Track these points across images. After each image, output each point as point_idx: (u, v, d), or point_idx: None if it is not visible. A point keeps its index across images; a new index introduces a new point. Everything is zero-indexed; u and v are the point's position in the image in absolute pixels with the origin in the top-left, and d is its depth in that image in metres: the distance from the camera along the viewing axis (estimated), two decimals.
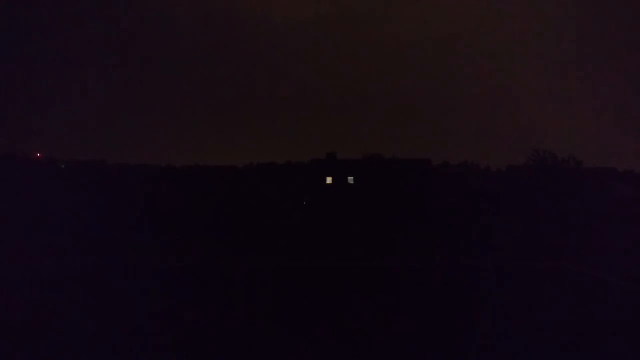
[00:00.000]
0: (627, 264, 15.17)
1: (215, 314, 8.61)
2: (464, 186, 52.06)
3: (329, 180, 52.44)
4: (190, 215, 31.89)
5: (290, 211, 36.68)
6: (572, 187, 40.79)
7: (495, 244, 20.22)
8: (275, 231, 24.12)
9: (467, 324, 7.91)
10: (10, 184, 43.94)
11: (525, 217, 32.03)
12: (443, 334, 7.53)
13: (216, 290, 10.56)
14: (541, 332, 7.64)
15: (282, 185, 56.47)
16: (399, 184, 48.51)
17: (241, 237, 21.80)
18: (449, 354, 6.88)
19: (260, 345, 7.15)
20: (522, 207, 37.90)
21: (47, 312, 8.47)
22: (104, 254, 16.89)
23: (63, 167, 72.08)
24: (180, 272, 12.95)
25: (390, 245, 19.51)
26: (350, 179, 52.25)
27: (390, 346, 7.06)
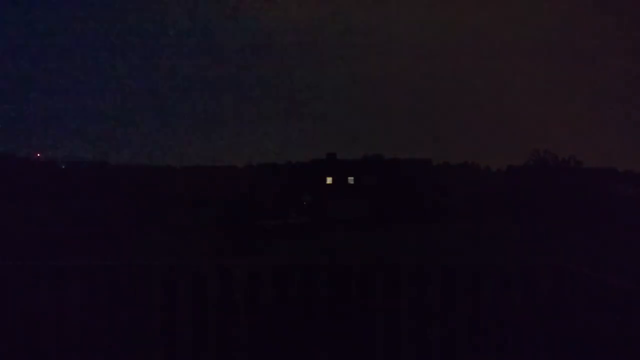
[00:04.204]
0: (627, 264, 15.17)
1: (215, 314, 8.61)
2: (464, 186, 52.09)
3: (329, 180, 52.53)
4: (190, 215, 31.92)
5: (290, 211, 36.70)
6: (572, 188, 40.81)
7: (495, 243, 20.23)
8: (275, 231, 24.15)
9: (467, 324, 7.92)
10: (10, 184, 43.99)
11: (525, 217, 32.05)
12: (443, 334, 7.55)
13: (216, 290, 10.56)
14: (541, 332, 7.65)
15: (282, 185, 56.51)
16: (399, 184, 48.56)
17: (241, 237, 21.82)
18: (449, 354, 6.89)
19: (260, 345, 7.15)
20: (522, 207, 37.94)
21: (46, 313, 8.47)
22: (104, 253, 16.91)
23: (63, 167, 72.13)
24: (180, 272, 12.96)
25: (390, 245, 19.53)
26: (350, 179, 52.33)
27: (391, 346, 7.07)
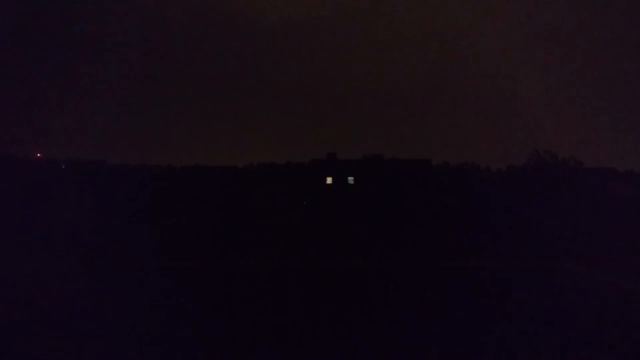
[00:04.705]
0: (627, 264, 15.18)
1: (215, 314, 8.62)
2: (464, 186, 52.08)
3: (329, 180, 52.50)
4: (190, 215, 31.91)
5: (290, 211, 36.69)
6: (572, 187, 40.77)
7: (495, 244, 20.23)
8: (275, 231, 24.14)
9: (466, 324, 7.92)
10: (10, 184, 43.94)
11: (524, 217, 32.05)
12: (442, 335, 7.55)
13: (215, 290, 10.56)
14: (541, 332, 7.65)
15: (282, 185, 56.50)
16: (399, 184, 48.54)
17: (241, 237, 21.82)
18: (448, 355, 6.89)
19: (259, 345, 7.16)
20: (522, 207, 37.91)
21: (45, 314, 8.48)
22: (104, 254, 16.91)
23: (63, 167, 72.09)
24: (180, 272, 12.96)
25: (389, 246, 19.52)
26: (350, 179, 52.31)
27: (390, 346, 7.07)
